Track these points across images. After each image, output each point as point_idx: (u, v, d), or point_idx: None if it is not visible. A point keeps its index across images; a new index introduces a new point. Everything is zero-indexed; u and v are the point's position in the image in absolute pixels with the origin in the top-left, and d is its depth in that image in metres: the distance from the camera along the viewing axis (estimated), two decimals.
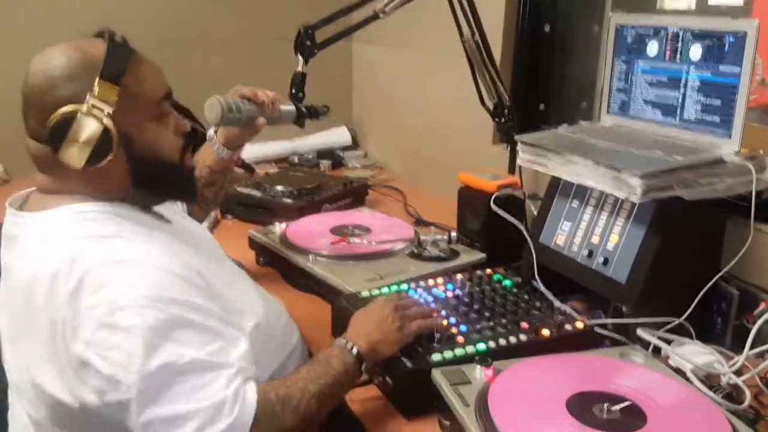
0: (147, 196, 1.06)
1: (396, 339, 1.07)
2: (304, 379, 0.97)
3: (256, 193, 1.89)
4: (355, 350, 1.03)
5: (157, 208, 1.13)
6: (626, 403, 0.91)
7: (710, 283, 1.18)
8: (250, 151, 2.39)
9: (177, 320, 0.88)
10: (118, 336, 0.86)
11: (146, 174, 1.01)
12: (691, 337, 1.18)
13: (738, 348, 1.17)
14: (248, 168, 2.29)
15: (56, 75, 0.95)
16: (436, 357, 1.05)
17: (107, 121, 0.94)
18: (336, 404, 1.02)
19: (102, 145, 0.94)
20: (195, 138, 1.10)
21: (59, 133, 0.93)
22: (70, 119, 0.93)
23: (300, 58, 1.43)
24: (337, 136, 2.57)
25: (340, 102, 1.54)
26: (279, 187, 1.88)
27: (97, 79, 0.93)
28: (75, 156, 0.94)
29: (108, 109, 0.94)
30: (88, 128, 0.93)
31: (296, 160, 2.42)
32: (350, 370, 1.02)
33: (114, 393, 0.86)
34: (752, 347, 1.10)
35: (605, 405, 0.90)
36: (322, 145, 2.52)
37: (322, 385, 0.97)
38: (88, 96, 0.93)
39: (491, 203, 1.48)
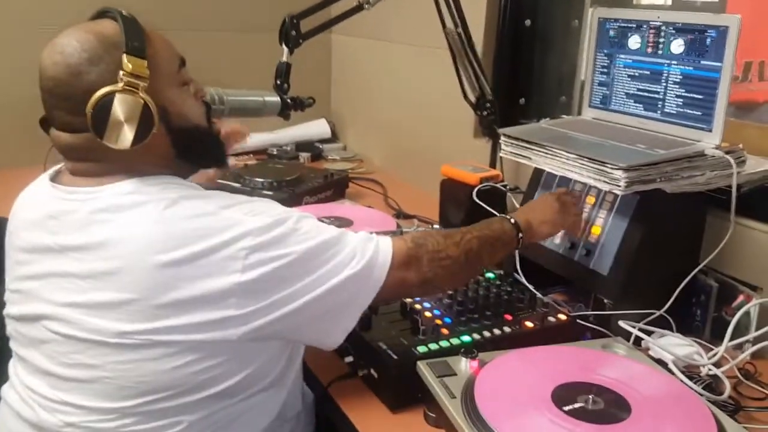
0: (188, 166, 1.05)
1: (556, 220, 1.21)
2: (463, 231, 1.09)
3: (236, 185, 1.86)
4: (513, 221, 1.15)
5: None
6: (611, 395, 0.92)
7: (690, 276, 1.20)
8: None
9: (301, 218, 0.96)
10: (272, 250, 0.90)
11: (186, 142, 1.00)
12: (671, 329, 1.19)
13: (716, 340, 1.19)
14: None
15: (77, 62, 0.91)
16: (421, 349, 1.05)
17: (145, 95, 0.92)
18: (493, 262, 1.15)
19: (146, 119, 0.92)
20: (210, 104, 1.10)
21: (100, 118, 0.90)
22: (108, 101, 0.90)
23: (285, 48, 1.41)
24: (316, 128, 2.56)
25: (319, 94, 1.53)
26: (259, 179, 1.86)
27: (124, 56, 0.91)
28: (122, 136, 0.91)
29: (143, 83, 0.92)
30: (129, 105, 0.90)
31: (275, 152, 2.40)
32: (508, 233, 1.14)
33: (284, 289, 0.91)
34: (731, 339, 1.12)
35: (590, 396, 0.91)
36: (301, 138, 2.50)
37: (482, 233, 1.10)
38: (120, 74, 0.90)
39: (473, 196, 1.48)
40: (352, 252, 0.96)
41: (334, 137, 2.60)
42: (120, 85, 0.90)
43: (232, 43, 2.38)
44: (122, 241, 0.89)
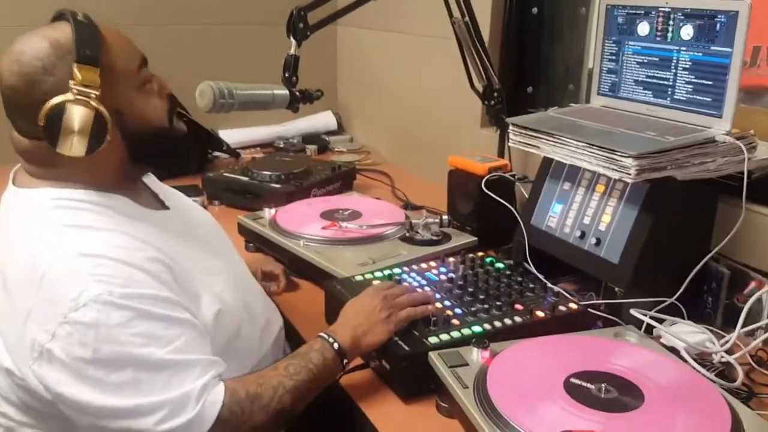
0: (141, 168, 1.05)
1: (383, 330, 1.06)
2: (280, 375, 0.97)
3: (243, 179, 1.86)
4: (336, 345, 1.02)
5: (159, 191, 1.13)
6: (624, 383, 0.92)
7: (701, 263, 1.19)
8: (235, 136, 2.38)
9: (142, 315, 0.88)
10: (82, 333, 0.85)
11: (142, 146, 1.00)
12: (682, 316, 1.19)
13: (728, 327, 1.19)
14: (233, 153, 2.28)
15: (31, 70, 0.92)
16: (432, 340, 1.05)
17: (97, 104, 0.92)
18: (311, 399, 1.01)
19: (98, 128, 0.92)
20: (176, 99, 1.08)
21: (53, 127, 0.91)
22: (60, 111, 0.90)
23: (293, 40, 1.41)
24: (323, 120, 2.56)
25: (325, 86, 1.52)
26: (266, 172, 1.86)
27: (75, 65, 0.91)
28: (75, 145, 0.92)
29: (94, 92, 0.92)
30: (80, 115, 0.91)
31: (282, 144, 2.40)
32: (330, 365, 1.01)
33: (73, 386, 0.86)
34: (743, 326, 1.12)
35: (603, 385, 0.91)
36: (307, 130, 2.50)
37: (299, 382, 0.97)
38: (71, 83, 0.91)
39: (482, 186, 1.47)
40: (171, 405, 0.87)
41: (340, 129, 2.60)
42: (71, 95, 0.91)
43: (239, 37, 2.38)
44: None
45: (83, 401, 0.86)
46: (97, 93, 0.92)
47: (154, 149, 1.03)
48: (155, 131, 1.02)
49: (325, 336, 1.04)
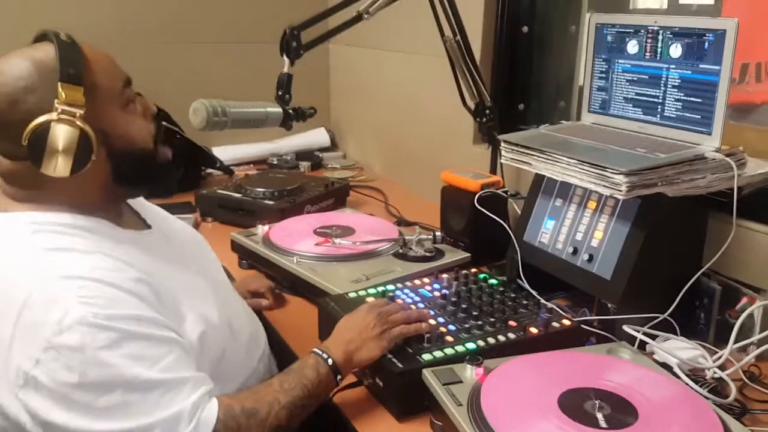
0: (126, 191, 1.04)
1: (376, 346, 1.05)
2: (275, 391, 0.97)
3: (237, 195, 1.87)
4: (330, 361, 1.02)
5: (141, 210, 1.12)
6: (618, 400, 0.92)
7: (693, 279, 1.20)
8: (228, 153, 2.38)
9: (128, 336, 0.86)
10: (68, 357, 0.83)
11: (126, 166, 0.99)
12: (674, 332, 1.19)
13: (720, 343, 1.19)
14: (227, 170, 2.29)
15: (12, 90, 0.91)
16: (426, 357, 1.05)
17: (81, 123, 0.91)
18: (307, 415, 1.00)
19: (83, 148, 0.91)
20: (161, 121, 1.07)
21: (37, 147, 0.90)
22: (44, 131, 0.89)
23: (286, 59, 1.42)
24: (316, 137, 2.57)
25: (318, 104, 1.53)
26: (260, 189, 1.86)
27: (59, 84, 0.90)
28: (60, 166, 0.91)
29: (79, 111, 0.91)
30: (65, 135, 0.90)
31: (275, 161, 2.41)
32: (324, 381, 1.01)
33: (61, 413, 0.84)
34: (735, 342, 1.12)
35: (597, 401, 0.91)
36: (300, 147, 2.51)
37: (294, 397, 0.97)
38: (55, 103, 0.90)
39: (475, 202, 1.48)
40: (160, 423, 0.86)
41: (333, 146, 2.61)
42: (55, 114, 0.90)
43: (233, 55, 2.39)
44: None
45: (72, 428, 0.84)
46: (82, 112, 0.91)
47: (138, 170, 1.01)
48: (140, 152, 1.01)
49: (319, 352, 1.04)
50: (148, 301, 0.92)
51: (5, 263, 0.91)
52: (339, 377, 1.03)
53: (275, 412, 0.95)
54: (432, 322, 1.15)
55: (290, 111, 1.42)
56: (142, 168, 1.02)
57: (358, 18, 1.48)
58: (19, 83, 0.91)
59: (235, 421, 0.91)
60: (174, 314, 0.96)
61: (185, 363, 0.92)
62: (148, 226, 1.10)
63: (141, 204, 1.15)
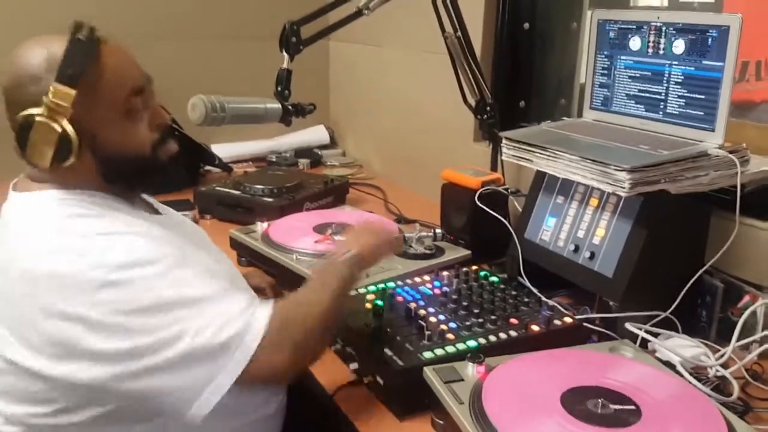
0: (119, 188, 1.04)
1: (382, 244, 1.15)
2: (309, 287, 1.03)
3: (236, 193, 1.86)
4: (349, 254, 1.08)
5: (152, 202, 1.15)
6: (621, 398, 0.91)
7: (695, 277, 1.19)
8: (227, 150, 2.37)
9: (173, 265, 0.92)
10: (121, 291, 0.88)
11: (115, 170, 1.00)
12: (677, 330, 1.19)
13: (722, 341, 1.18)
14: (225, 167, 2.28)
15: (23, 74, 0.94)
16: (427, 355, 1.04)
17: (65, 124, 0.92)
18: (343, 315, 1.07)
19: (62, 147, 0.93)
20: (172, 132, 1.09)
21: (22, 136, 0.93)
22: (29, 123, 0.92)
23: (285, 54, 1.41)
24: (315, 134, 2.56)
25: (317, 101, 1.52)
26: (259, 186, 1.85)
27: (54, 83, 0.91)
28: (38, 157, 0.93)
29: (65, 112, 0.92)
30: (46, 132, 0.92)
31: (274, 159, 2.40)
32: (346, 275, 1.06)
33: (125, 340, 0.87)
34: (737, 340, 1.11)
35: (600, 400, 0.90)
36: (299, 144, 2.50)
37: (330, 290, 1.02)
38: (45, 99, 0.91)
39: (475, 200, 1.47)
40: (220, 320, 0.91)
41: (332, 143, 2.60)
42: (41, 110, 0.92)
43: (232, 51, 2.38)
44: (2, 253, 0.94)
45: (139, 348, 0.88)
46: (70, 112, 0.92)
47: (128, 174, 1.02)
48: (132, 158, 1.01)
49: (335, 259, 1.09)
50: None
51: (37, 232, 0.93)
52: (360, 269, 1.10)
53: (317, 302, 1.01)
54: (433, 319, 1.14)
55: (289, 107, 1.41)
56: (134, 172, 1.03)
57: (358, 14, 1.47)
58: (28, 71, 0.94)
59: (288, 309, 0.98)
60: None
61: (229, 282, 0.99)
62: (158, 212, 1.13)
63: (149, 198, 1.17)
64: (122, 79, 0.99)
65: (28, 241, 0.93)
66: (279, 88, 1.41)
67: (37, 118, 0.92)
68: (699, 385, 1.02)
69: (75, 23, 0.97)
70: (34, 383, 0.91)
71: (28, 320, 0.89)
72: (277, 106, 1.40)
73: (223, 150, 2.35)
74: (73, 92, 0.92)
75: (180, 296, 0.90)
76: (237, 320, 0.92)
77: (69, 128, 0.92)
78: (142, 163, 1.02)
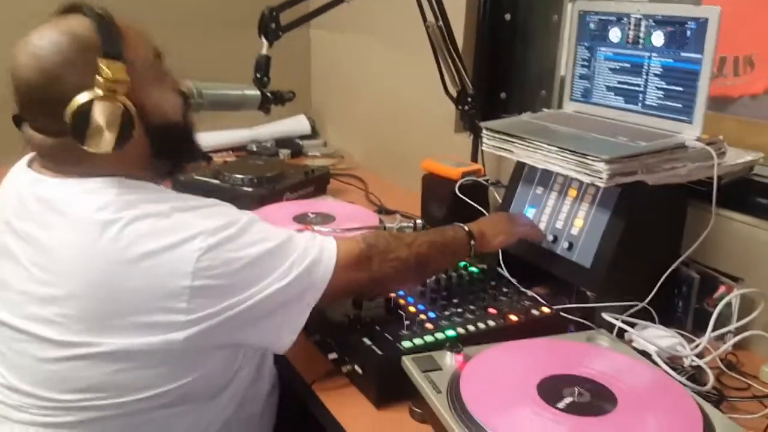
0: (165, 164, 1.04)
1: (509, 230, 1.26)
2: (414, 235, 1.13)
3: (215, 182, 1.83)
4: (467, 228, 1.18)
5: None
6: (597, 387, 0.92)
7: (672, 268, 1.20)
8: (206, 139, 2.34)
9: (250, 223, 0.96)
10: (220, 254, 0.90)
11: (163, 140, 0.99)
12: (653, 320, 1.20)
13: (698, 331, 1.20)
14: (205, 156, 2.25)
15: (51, 66, 0.89)
16: (405, 344, 1.04)
17: (124, 99, 0.90)
18: (437, 268, 1.18)
19: (126, 123, 0.91)
20: (186, 96, 1.09)
21: (80, 124, 0.88)
22: (87, 108, 0.88)
23: (264, 41, 1.39)
24: (296, 124, 2.54)
25: (298, 90, 1.51)
26: (239, 176, 1.84)
27: (101, 61, 0.89)
28: (103, 141, 0.89)
29: (122, 88, 0.90)
30: (109, 112, 0.89)
31: (254, 148, 2.37)
32: (460, 240, 1.17)
33: (232, 300, 0.91)
34: (713, 330, 1.12)
35: (576, 388, 0.90)
36: (280, 134, 2.48)
37: (434, 240, 1.13)
38: (98, 79, 0.88)
39: (456, 190, 1.47)
40: (302, 253, 0.98)
41: (314, 133, 2.59)
42: (99, 91, 0.88)
43: (211, 37, 2.35)
44: (71, 242, 0.89)
45: (254, 301, 0.92)
46: (125, 88, 0.91)
47: (173, 144, 1.02)
48: (173, 126, 1.02)
49: (460, 224, 1.20)
50: None
51: (101, 215, 0.89)
52: (473, 242, 1.18)
53: (419, 243, 1.11)
54: (412, 309, 1.14)
55: (268, 94, 1.40)
56: (177, 141, 1.03)
57: (340, 1, 1.46)
58: (56, 58, 0.89)
59: (379, 238, 1.07)
60: None
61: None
62: None
63: None
64: (146, 47, 0.99)
65: (109, 231, 0.88)
66: (258, 75, 1.40)
67: (96, 101, 0.88)
68: (674, 374, 1.04)
69: (74, 3, 0.95)
70: (145, 365, 0.91)
71: (128, 307, 0.88)
72: (256, 93, 1.39)
73: (202, 139, 2.27)
74: (123, 66, 0.90)
75: (275, 242, 0.96)
76: (314, 245, 1.00)
77: (128, 102, 0.91)
78: (179, 129, 1.03)
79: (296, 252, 0.97)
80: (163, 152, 1.01)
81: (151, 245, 0.88)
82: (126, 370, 0.90)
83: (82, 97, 0.88)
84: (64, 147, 0.92)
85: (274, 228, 1.00)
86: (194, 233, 0.90)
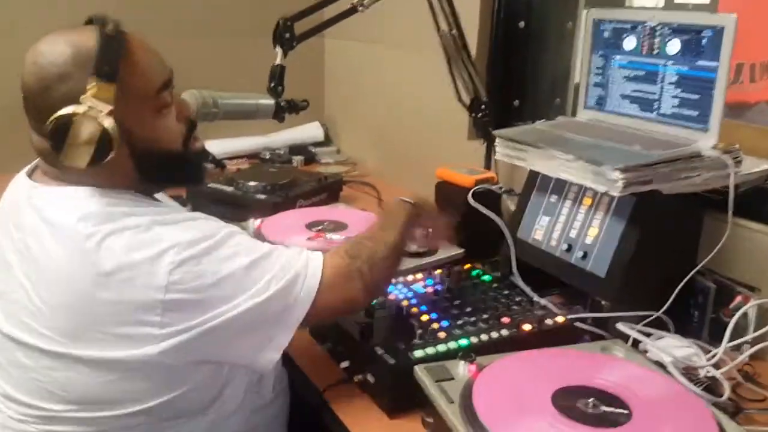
0: (154, 185, 1.05)
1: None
2: (381, 228, 1.11)
3: (228, 189, 1.84)
4: (411, 200, 1.17)
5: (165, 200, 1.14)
6: (612, 398, 0.91)
7: (687, 277, 1.19)
8: (221, 147, 2.36)
9: (230, 234, 0.96)
10: (197, 266, 0.90)
11: (150, 165, 1.00)
12: (669, 330, 1.18)
13: (714, 341, 1.18)
14: (219, 163, 2.26)
15: (46, 76, 0.91)
16: (418, 353, 1.04)
17: (106, 121, 0.90)
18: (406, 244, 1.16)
19: (103, 144, 0.90)
20: (195, 122, 1.10)
21: (58, 136, 0.89)
22: (67, 122, 0.88)
23: (279, 50, 1.40)
24: (309, 131, 2.55)
25: (312, 98, 1.52)
26: (252, 183, 1.84)
27: (92, 78, 0.89)
28: (77, 157, 0.90)
29: (106, 108, 0.90)
30: (87, 130, 0.89)
31: (268, 155, 2.38)
32: (411, 214, 1.16)
33: (205, 314, 0.90)
34: (729, 340, 1.11)
35: (590, 400, 0.90)
36: (293, 141, 2.49)
37: (395, 223, 1.12)
38: (84, 96, 0.89)
39: (469, 198, 1.47)
40: (281, 269, 0.96)
41: (327, 141, 2.59)
42: (81, 108, 0.89)
43: (226, 47, 2.37)
44: (55, 252, 0.91)
45: (218, 320, 0.90)
46: (111, 108, 0.90)
47: (162, 169, 1.02)
48: (166, 153, 1.01)
49: (396, 200, 1.18)
50: None
51: (83, 225, 0.91)
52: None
53: (391, 236, 1.09)
54: (424, 317, 1.14)
55: (282, 103, 1.41)
56: (168, 167, 1.03)
57: (353, 10, 1.46)
58: (53, 69, 0.91)
59: (352, 241, 1.07)
60: None
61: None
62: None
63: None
64: (152, 74, 0.98)
65: (88, 243, 0.89)
66: (272, 84, 1.40)
67: (77, 117, 0.88)
68: (690, 385, 1.02)
69: (94, 17, 0.96)
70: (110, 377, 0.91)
71: (104, 319, 0.89)
72: (270, 102, 1.40)
73: (216, 146, 2.34)
74: (113, 88, 0.90)
75: (254, 257, 0.94)
76: (297, 262, 0.98)
77: (111, 124, 0.90)
78: (175, 156, 1.03)
79: (276, 267, 0.95)
80: (149, 176, 1.01)
81: (126, 258, 0.88)
82: (110, 383, 0.91)
83: (65, 110, 0.89)
84: (52, 152, 0.92)
85: (255, 242, 0.99)
86: (167, 246, 0.89)
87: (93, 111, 0.89)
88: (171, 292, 0.88)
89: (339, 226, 1.55)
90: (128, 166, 0.98)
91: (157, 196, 1.10)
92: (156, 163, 1.00)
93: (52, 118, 0.89)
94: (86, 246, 0.89)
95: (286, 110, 1.41)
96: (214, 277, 0.91)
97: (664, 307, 1.18)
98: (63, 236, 0.91)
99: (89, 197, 0.94)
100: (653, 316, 1.18)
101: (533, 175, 1.39)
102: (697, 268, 1.20)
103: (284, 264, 0.96)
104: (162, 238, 0.90)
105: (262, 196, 1.80)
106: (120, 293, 0.88)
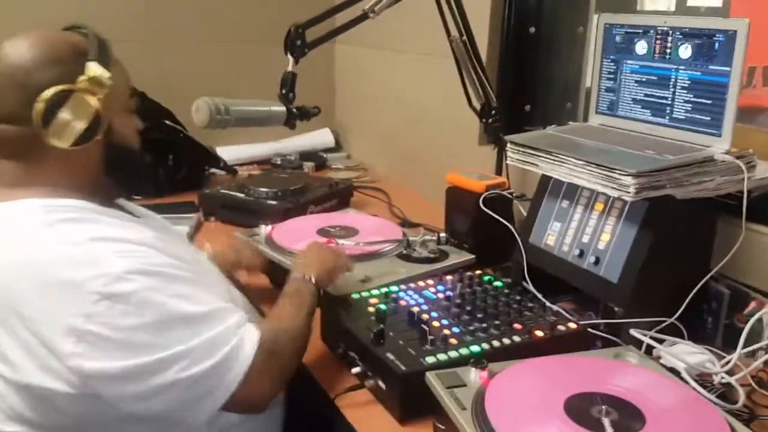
0: (110, 187, 1.06)
1: (333, 269, 1.22)
2: (288, 310, 1.08)
3: (240, 195, 1.86)
4: (313, 279, 1.15)
5: (128, 206, 1.14)
6: (625, 405, 0.90)
7: (701, 283, 1.18)
8: (232, 153, 2.37)
9: (171, 278, 0.92)
10: (123, 303, 0.87)
11: (117, 161, 1.03)
12: (682, 336, 1.18)
13: (728, 347, 1.17)
14: (230, 170, 2.28)
15: (44, 56, 0.94)
16: (429, 359, 1.03)
17: (101, 103, 0.95)
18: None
19: (93, 124, 0.95)
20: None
21: (51, 111, 0.92)
22: (64, 97, 0.92)
23: (290, 57, 1.40)
24: (320, 137, 2.56)
25: (322, 104, 1.52)
26: (263, 189, 1.85)
27: (91, 63, 0.94)
28: (65, 135, 0.93)
29: (102, 92, 0.95)
30: (84, 106, 0.93)
31: (279, 161, 2.39)
32: (315, 296, 1.14)
33: (122, 357, 0.86)
34: (743, 347, 1.10)
35: (603, 407, 0.89)
36: (304, 147, 2.50)
37: (305, 314, 1.09)
38: (81, 77, 0.93)
39: (480, 204, 1.47)
40: (211, 342, 0.92)
41: (337, 146, 2.60)
42: (80, 84, 0.93)
43: (238, 54, 2.39)
44: (2, 258, 0.91)
45: (133, 368, 0.87)
46: (106, 92, 0.95)
47: (126, 167, 1.06)
48: (132, 150, 1.07)
49: (299, 276, 1.15)
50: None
51: (26, 240, 0.91)
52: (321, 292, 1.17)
53: (298, 326, 1.06)
54: (436, 324, 1.13)
55: (294, 110, 1.41)
56: (131, 166, 1.07)
57: (364, 17, 1.47)
58: (48, 53, 0.95)
59: (274, 336, 1.00)
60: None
61: (219, 297, 1.00)
62: (138, 216, 1.13)
63: (125, 202, 1.16)
64: (127, 77, 1.06)
65: (16, 253, 0.90)
66: (283, 91, 1.41)
67: (76, 93, 0.93)
68: (704, 392, 1.01)
69: (73, 25, 1.02)
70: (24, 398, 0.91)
71: (33, 334, 0.88)
72: (282, 109, 1.40)
73: (227, 152, 2.36)
74: (108, 75, 0.96)
75: (179, 313, 0.91)
76: (227, 344, 0.93)
77: (102, 108, 0.95)
78: (137, 157, 1.08)
79: (206, 338, 0.91)
80: (114, 172, 1.04)
81: (51, 276, 0.88)
82: (39, 407, 0.91)
83: (63, 86, 0.92)
84: (22, 138, 0.94)
85: (200, 295, 0.95)
86: (98, 273, 0.87)
87: (91, 89, 0.94)
88: (89, 325, 0.86)
89: (350, 232, 1.55)
90: (99, 157, 1.01)
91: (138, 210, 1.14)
92: (123, 160, 1.04)
93: (49, 91, 0.91)
94: (24, 251, 0.90)
95: (297, 117, 1.42)
96: (139, 320, 0.88)
97: (678, 313, 1.17)
98: (6, 241, 0.93)
99: (32, 209, 0.94)
100: (666, 322, 1.17)
101: (545, 181, 1.39)
102: (711, 273, 1.19)
103: (217, 339, 0.92)
104: (94, 261, 0.89)
105: (273, 202, 1.81)
106: (45, 312, 0.88)
